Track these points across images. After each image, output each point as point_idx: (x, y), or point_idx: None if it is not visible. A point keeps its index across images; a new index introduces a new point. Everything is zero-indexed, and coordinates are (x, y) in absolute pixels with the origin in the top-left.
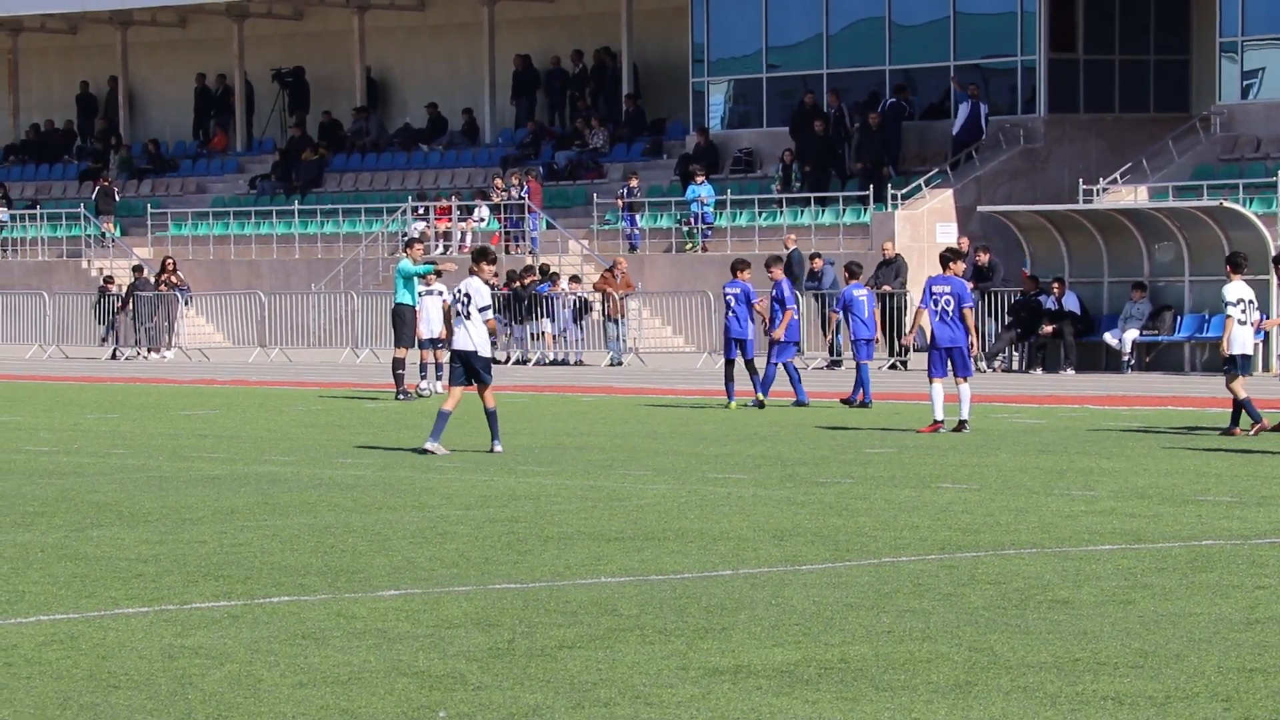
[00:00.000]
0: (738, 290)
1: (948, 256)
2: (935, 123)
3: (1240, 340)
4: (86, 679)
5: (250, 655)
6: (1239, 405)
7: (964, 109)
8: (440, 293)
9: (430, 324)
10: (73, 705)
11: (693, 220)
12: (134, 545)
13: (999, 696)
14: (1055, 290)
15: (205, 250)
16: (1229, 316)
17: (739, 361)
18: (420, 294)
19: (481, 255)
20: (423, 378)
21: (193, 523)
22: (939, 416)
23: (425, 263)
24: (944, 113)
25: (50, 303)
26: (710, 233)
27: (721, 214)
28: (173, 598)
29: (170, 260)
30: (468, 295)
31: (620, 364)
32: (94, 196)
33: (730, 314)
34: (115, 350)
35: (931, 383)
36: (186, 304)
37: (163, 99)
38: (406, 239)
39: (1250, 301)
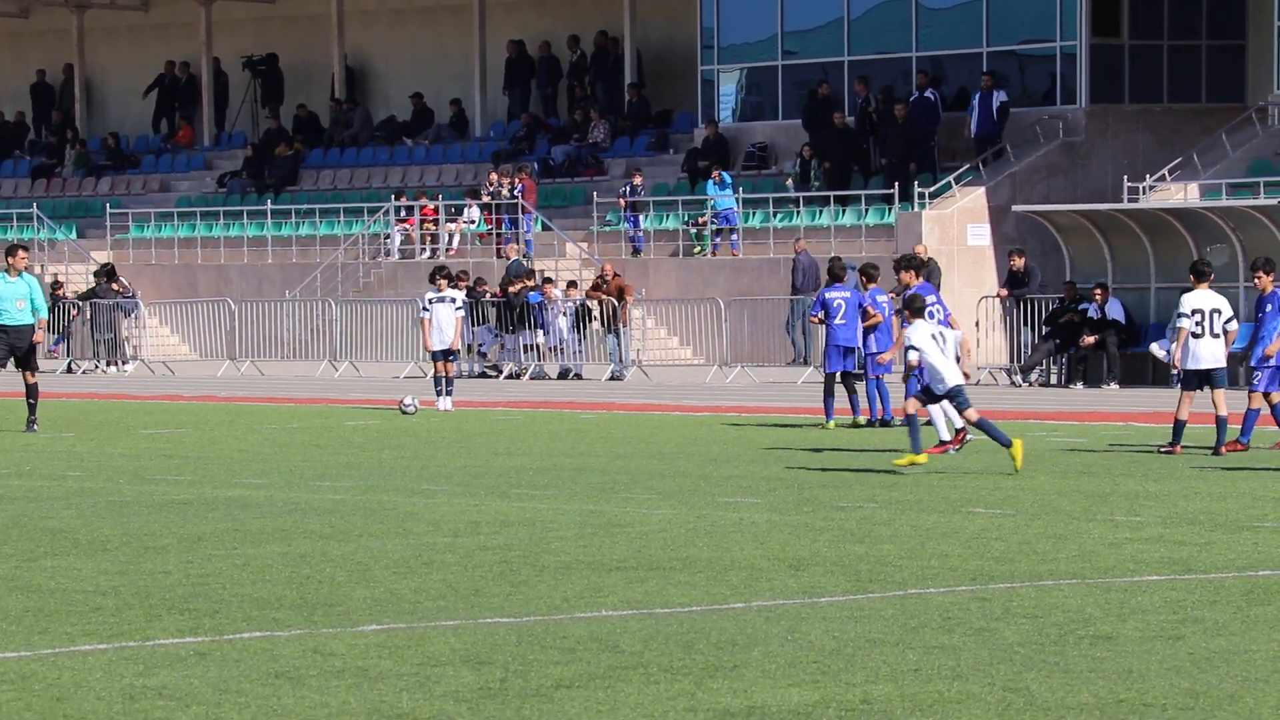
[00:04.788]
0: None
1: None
2: (966, 114)
3: (1196, 354)
4: None
5: (218, 696)
6: (1219, 423)
7: (976, 102)
8: (454, 300)
9: (442, 333)
10: None
11: (718, 222)
12: (92, 576)
13: None
14: (1097, 297)
15: (169, 254)
16: (1180, 328)
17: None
18: (430, 301)
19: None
20: (438, 394)
21: (156, 552)
22: (945, 436)
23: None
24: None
25: None
26: (735, 236)
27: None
28: (134, 634)
29: (109, 265)
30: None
31: (622, 378)
32: None
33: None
34: (70, 363)
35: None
36: (128, 314)
37: (123, 89)
38: (9, 246)
39: (1216, 311)
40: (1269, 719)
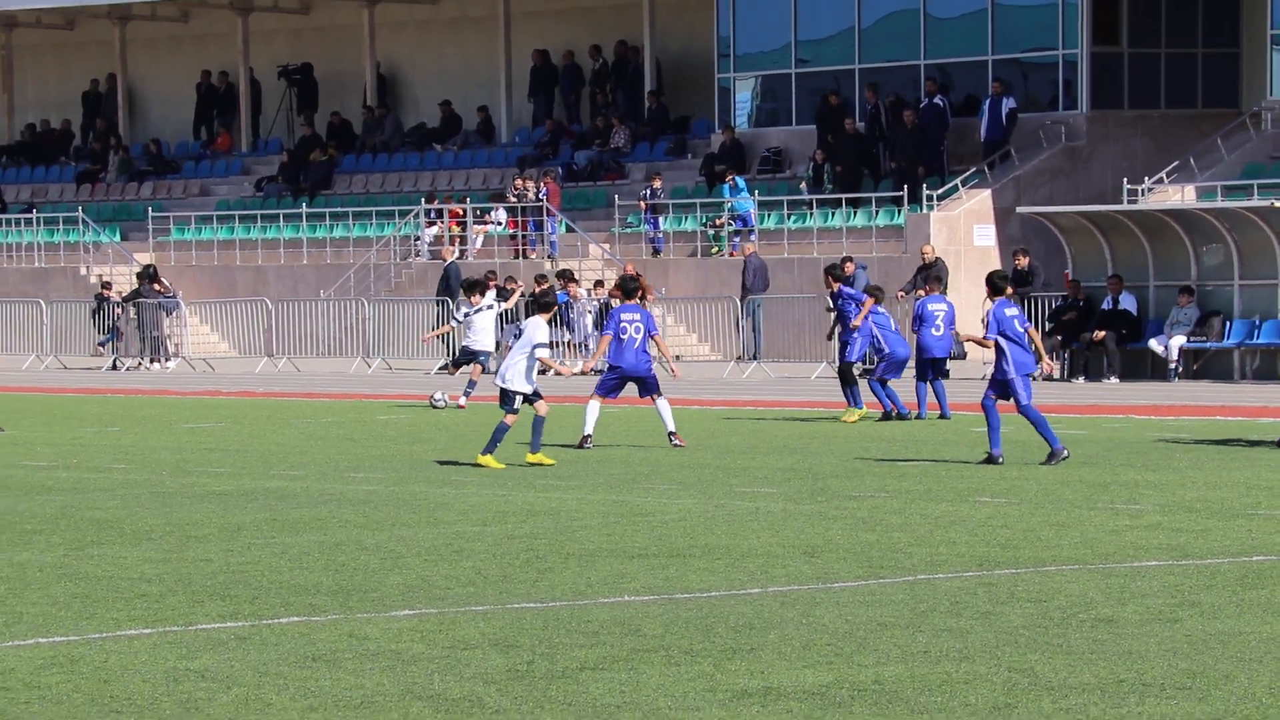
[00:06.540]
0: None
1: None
2: (972, 119)
3: None
4: (87, 704)
5: (258, 678)
6: None
7: (986, 108)
8: (491, 307)
9: (483, 339)
10: None
11: (737, 223)
12: (136, 564)
13: (1039, 719)
14: (1111, 288)
15: (209, 256)
16: None
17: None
18: (468, 312)
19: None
20: (465, 394)
21: (198, 540)
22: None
23: None
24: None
25: (47, 311)
26: (753, 237)
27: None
28: (177, 619)
29: (152, 267)
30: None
31: None
32: None
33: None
34: (115, 360)
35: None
36: (169, 314)
37: (164, 97)
38: None
39: None
40: (1263, 698)
